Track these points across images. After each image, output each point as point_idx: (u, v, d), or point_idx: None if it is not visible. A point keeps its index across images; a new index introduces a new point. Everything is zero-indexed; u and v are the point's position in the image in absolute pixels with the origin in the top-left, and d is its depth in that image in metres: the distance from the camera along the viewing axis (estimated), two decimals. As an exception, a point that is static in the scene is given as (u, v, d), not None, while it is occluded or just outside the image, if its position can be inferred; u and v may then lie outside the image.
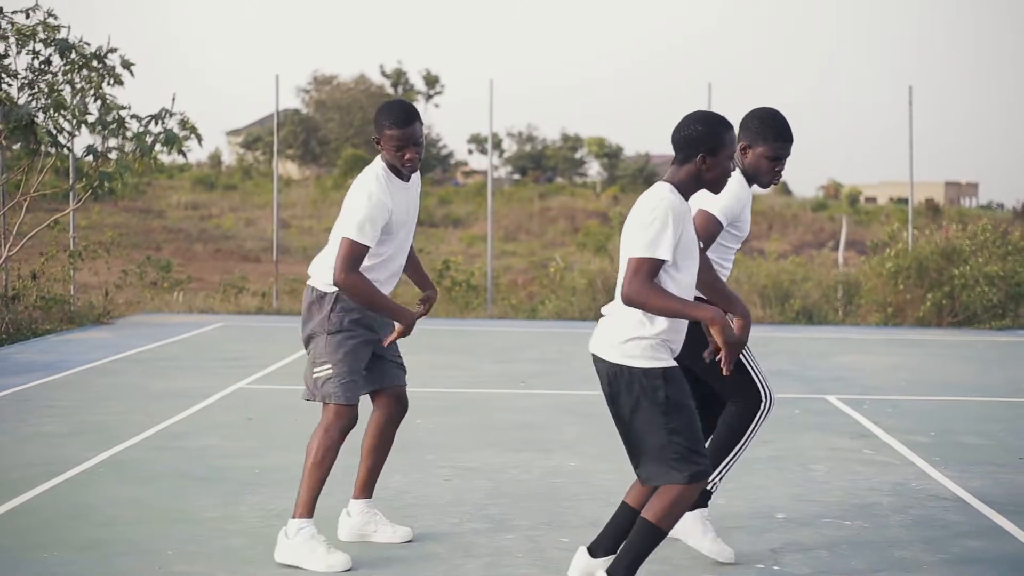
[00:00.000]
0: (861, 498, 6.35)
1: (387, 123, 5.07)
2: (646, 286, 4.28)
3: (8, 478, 6.55)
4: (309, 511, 5.10)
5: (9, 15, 12.63)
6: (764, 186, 5.28)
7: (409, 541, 5.43)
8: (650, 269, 4.30)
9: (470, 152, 61.44)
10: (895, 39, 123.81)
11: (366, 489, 5.48)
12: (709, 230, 5.06)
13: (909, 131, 17.64)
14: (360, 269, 5.04)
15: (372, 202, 5.02)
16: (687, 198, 4.47)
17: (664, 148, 69.09)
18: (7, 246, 13.64)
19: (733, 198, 5.10)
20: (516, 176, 59.71)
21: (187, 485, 6.45)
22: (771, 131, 5.19)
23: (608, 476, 6.66)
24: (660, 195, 4.39)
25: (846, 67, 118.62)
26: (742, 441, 5.26)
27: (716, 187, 4.50)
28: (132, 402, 9.10)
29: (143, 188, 34.13)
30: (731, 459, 5.28)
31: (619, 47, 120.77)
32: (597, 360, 4.46)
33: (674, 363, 4.45)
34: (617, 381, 4.43)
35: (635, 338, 4.40)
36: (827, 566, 5.15)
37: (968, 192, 73.60)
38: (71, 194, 15.00)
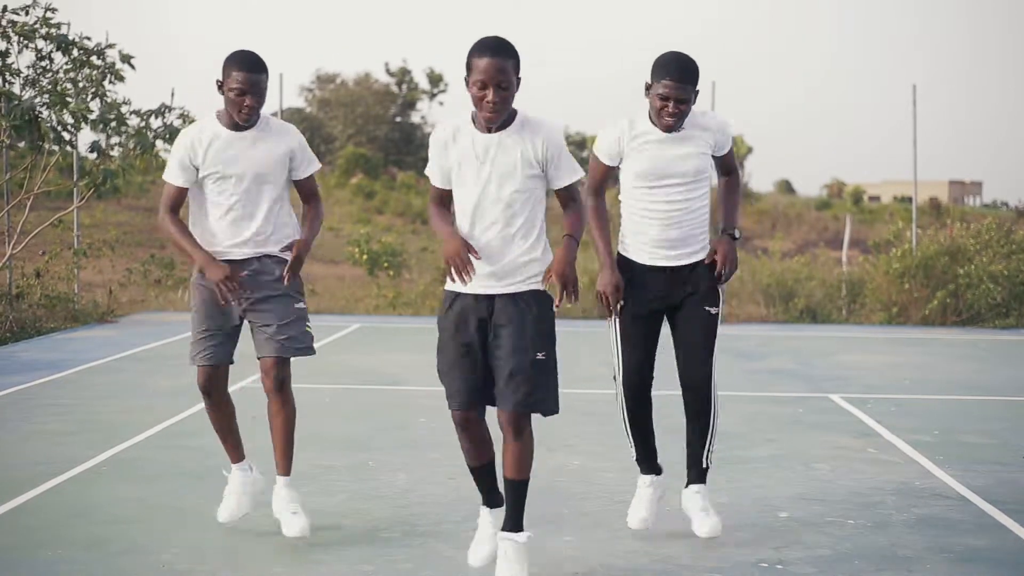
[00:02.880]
0: (865, 497, 6.34)
1: (234, 67, 5.27)
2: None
3: (11, 476, 6.55)
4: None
5: (9, 12, 12.64)
6: (663, 130, 5.26)
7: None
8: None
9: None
10: (899, 38, 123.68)
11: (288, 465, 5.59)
12: (591, 172, 5.41)
13: (913, 130, 17.61)
14: (196, 210, 5.38)
15: (178, 143, 5.36)
16: (477, 124, 4.63)
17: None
18: (11, 244, 13.66)
19: (604, 139, 5.35)
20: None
21: (190, 484, 6.45)
22: (660, 69, 5.21)
23: (610, 475, 6.66)
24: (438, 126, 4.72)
25: (850, 66, 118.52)
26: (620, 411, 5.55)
27: (478, 114, 4.60)
28: (135, 400, 9.11)
29: (147, 186, 34.10)
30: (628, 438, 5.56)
31: (621, 46, 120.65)
32: None
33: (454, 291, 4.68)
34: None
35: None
36: (830, 565, 5.15)
37: (972, 191, 73.52)
38: (75, 192, 15.02)
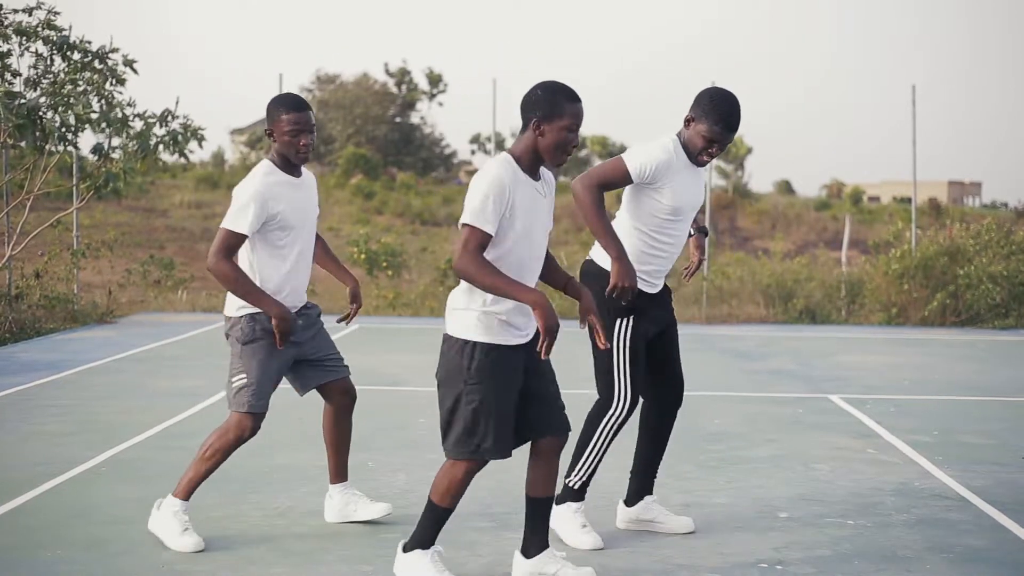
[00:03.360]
0: (864, 497, 6.35)
1: (282, 109, 5.29)
2: (475, 259, 4.32)
3: (10, 477, 6.55)
4: (186, 495, 5.35)
5: (11, 13, 12.65)
6: (694, 163, 5.30)
7: (388, 514, 5.70)
8: (478, 241, 4.33)
9: (473, 152, 61.42)
10: (899, 38, 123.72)
11: (340, 474, 5.74)
12: (607, 171, 5.22)
13: (912, 130, 17.63)
14: (263, 260, 5.30)
15: (250, 193, 5.21)
16: (527, 168, 4.47)
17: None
18: (10, 245, 13.66)
19: (646, 155, 5.21)
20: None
21: (190, 484, 6.44)
22: (716, 114, 5.20)
23: (609, 476, 6.65)
24: (489, 165, 4.44)
25: (850, 66, 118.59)
26: (593, 440, 5.41)
27: (551, 157, 4.46)
28: (135, 401, 9.11)
29: (146, 187, 34.12)
30: (587, 459, 5.42)
31: (621, 46, 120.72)
32: None
33: (499, 341, 4.50)
34: (443, 345, 4.61)
35: (460, 309, 4.52)
36: (830, 565, 5.15)
37: (971, 191, 73.55)
38: (74, 193, 15.03)
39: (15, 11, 12.70)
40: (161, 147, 13.19)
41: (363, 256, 20.42)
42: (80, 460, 6.97)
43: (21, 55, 12.87)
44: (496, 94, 18.08)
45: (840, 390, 10.15)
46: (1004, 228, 16.84)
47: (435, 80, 58.02)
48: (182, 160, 13.84)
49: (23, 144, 13.26)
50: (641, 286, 5.31)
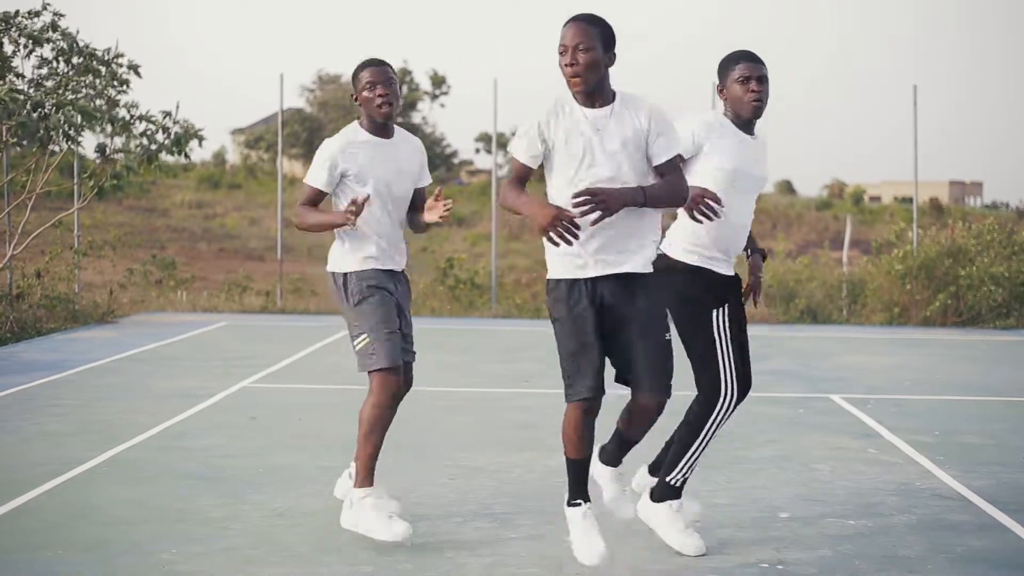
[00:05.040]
0: (865, 497, 6.34)
1: (360, 68, 5.47)
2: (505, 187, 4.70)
3: (11, 477, 6.54)
4: (368, 480, 5.35)
5: (15, 16, 12.66)
6: (750, 115, 5.20)
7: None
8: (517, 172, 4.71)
9: (477, 151, 61.38)
10: (899, 38, 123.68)
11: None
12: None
13: (914, 130, 17.61)
14: (348, 229, 5.37)
15: (323, 149, 5.44)
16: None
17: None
18: (11, 245, 13.66)
19: (687, 123, 5.13)
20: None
21: (190, 485, 6.44)
22: (731, 58, 5.26)
23: (611, 475, 6.65)
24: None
25: (850, 66, 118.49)
26: (700, 438, 5.25)
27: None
28: (135, 401, 9.10)
29: (147, 187, 34.12)
30: (690, 457, 5.26)
31: (620, 46, 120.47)
32: None
33: (569, 276, 4.62)
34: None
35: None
36: (831, 565, 5.14)
37: (972, 191, 73.49)
38: (75, 192, 15.03)
39: (19, 13, 12.70)
40: (163, 152, 13.24)
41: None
42: (81, 460, 6.97)
43: (26, 57, 12.88)
44: (497, 94, 18.06)
45: (841, 390, 10.14)
46: (1006, 228, 16.83)
47: (438, 81, 58.02)
48: (183, 160, 13.85)
49: (25, 143, 13.27)
50: (713, 265, 5.21)
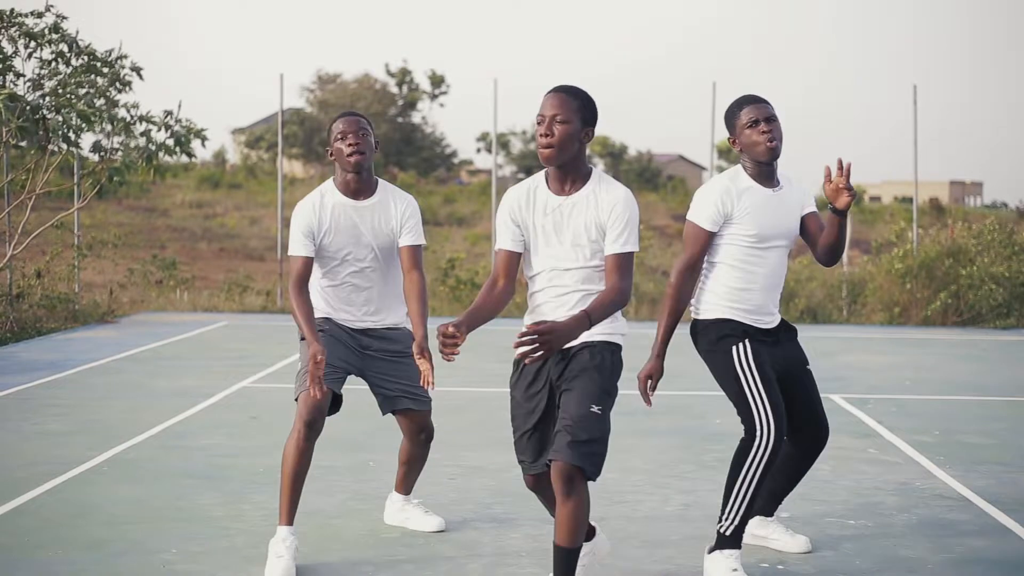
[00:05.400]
0: (865, 497, 6.34)
1: (333, 121, 5.32)
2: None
3: (11, 477, 6.54)
4: (284, 518, 5.04)
5: (19, 16, 12.66)
6: (767, 158, 5.00)
7: (442, 531, 5.58)
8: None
9: (478, 151, 61.35)
10: (899, 38, 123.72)
11: (402, 487, 5.73)
12: (688, 243, 5.04)
13: (914, 130, 17.61)
14: (319, 283, 5.29)
15: (296, 214, 5.25)
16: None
17: (666, 147, 69.03)
18: (11, 245, 13.66)
19: (704, 200, 5.02)
20: (521, 175, 59.71)
21: (190, 484, 6.44)
22: (737, 106, 5.08)
23: (611, 475, 6.65)
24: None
25: (850, 66, 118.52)
26: (740, 479, 4.93)
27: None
28: (136, 401, 9.10)
29: (147, 187, 34.11)
30: (735, 503, 4.94)
31: (621, 45, 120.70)
32: None
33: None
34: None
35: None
36: (831, 565, 5.14)
37: (972, 191, 73.49)
38: (75, 192, 15.03)
39: (21, 14, 12.70)
40: (163, 152, 13.25)
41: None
42: (81, 460, 6.97)
43: (27, 59, 12.88)
44: (497, 94, 18.05)
45: (841, 390, 10.14)
46: (1006, 228, 16.83)
47: (437, 81, 58.02)
48: (184, 158, 13.86)
49: (24, 144, 13.27)
50: (744, 319, 5.03)
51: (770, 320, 5.10)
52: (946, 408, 9.37)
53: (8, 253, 13.67)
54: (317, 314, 5.29)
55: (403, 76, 57.69)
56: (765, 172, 5.06)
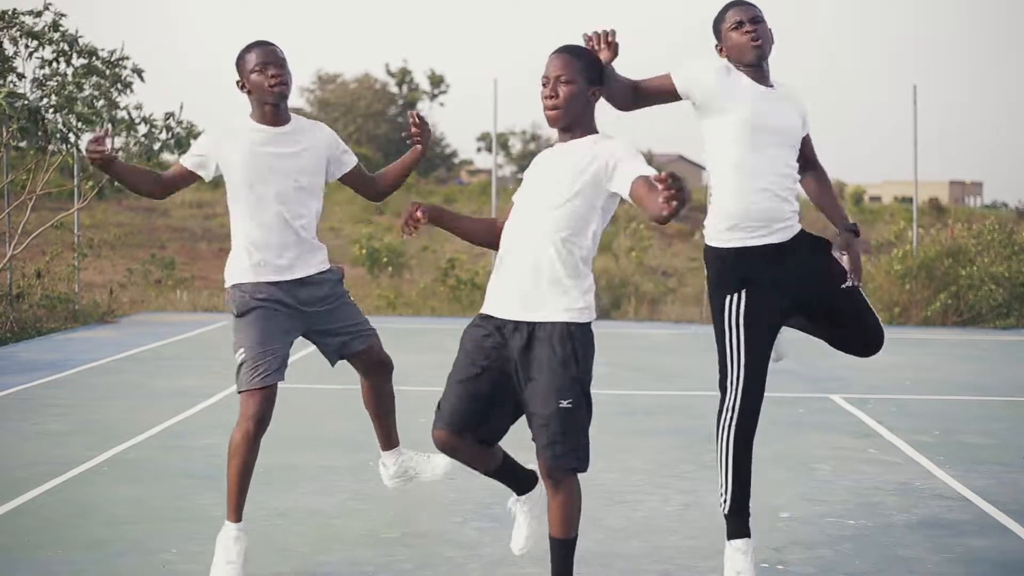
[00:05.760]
0: (865, 497, 6.34)
1: (247, 52, 5.00)
2: None
3: (11, 477, 6.54)
4: (232, 514, 4.85)
5: (18, 16, 12.67)
6: (753, 59, 4.73)
7: (451, 478, 5.59)
8: None
9: (478, 151, 61.39)
10: (899, 38, 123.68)
11: (388, 442, 5.50)
12: (649, 78, 4.81)
13: (914, 130, 17.60)
14: (237, 215, 5.02)
15: (200, 138, 5.11)
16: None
17: (666, 146, 69.01)
18: (11, 245, 13.66)
19: (694, 65, 4.76)
20: (521, 175, 59.74)
21: (190, 484, 6.44)
22: (720, 12, 4.86)
23: (610, 475, 6.65)
24: None
25: (850, 65, 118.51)
26: (716, 447, 4.75)
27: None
28: (135, 401, 9.10)
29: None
30: (719, 470, 4.77)
31: (621, 46, 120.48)
32: None
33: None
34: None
35: None
36: (831, 565, 5.14)
37: (972, 191, 73.50)
38: (75, 192, 15.04)
39: (17, 13, 12.71)
40: (163, 151, 13.27)
41: (363, 251, 20.44)
42: (80, 460, 6.97)
43: (27, 58, 12.89)
44: (497, 94, 18.05)
45: (841, 390, 10.14)
46: (1006, 228, 16.83)
47: (437, 81, 58.05)
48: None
49: (24, 145, 13.27)
50: (748, 240, 4.70)
51: (782, 228, 4.76)
52: (946, 408, 9.37)
53: (8, 253, 13.67)
54: (246, 279, 5.03)
55: (403, 76, 57.73)
56: (756, 76, 4.75)
